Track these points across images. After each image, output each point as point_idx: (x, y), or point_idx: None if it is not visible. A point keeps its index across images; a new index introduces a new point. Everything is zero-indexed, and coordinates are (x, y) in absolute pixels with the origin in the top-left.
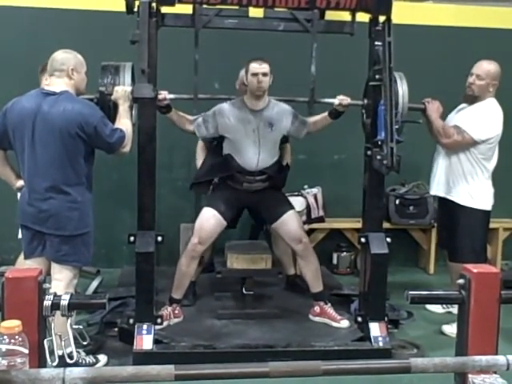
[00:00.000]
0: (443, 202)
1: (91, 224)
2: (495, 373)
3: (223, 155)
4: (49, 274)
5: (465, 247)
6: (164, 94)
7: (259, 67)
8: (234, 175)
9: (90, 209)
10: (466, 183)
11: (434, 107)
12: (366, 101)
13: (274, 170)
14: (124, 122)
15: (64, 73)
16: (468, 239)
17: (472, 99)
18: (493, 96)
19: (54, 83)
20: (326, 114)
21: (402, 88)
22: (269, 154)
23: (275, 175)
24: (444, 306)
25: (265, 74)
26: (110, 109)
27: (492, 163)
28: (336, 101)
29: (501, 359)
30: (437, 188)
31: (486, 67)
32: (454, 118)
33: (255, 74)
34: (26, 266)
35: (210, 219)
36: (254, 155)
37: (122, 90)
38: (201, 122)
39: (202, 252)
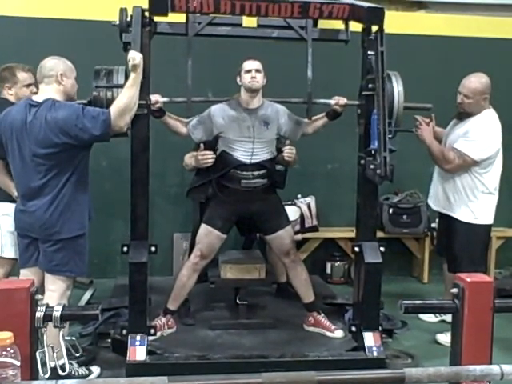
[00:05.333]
0: (444, 215)
1: (85, 227)
2: (489, 382)
3: (218, 154)
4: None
5: (464, 260)
6: (156, 98)
7: (252, 63)
8: (230, 173)
9: (83, 211)
10: (466, 199)
11: (426, 130)
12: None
13: (271, 165)
14: (123, 93)
15: (53, 79)
16: (468, 252)
17: (466, 115)
18: (488, 106)
19: (42, 91)
20: (323, 114)
21: (398, 88)
22: (264, 149)
23: (274, 171)
24: (437, 314)
25: (258, 71)
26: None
27: (493, 174)
28: (332, 101)
29: (495, 368)
30: (437, 204)
31: (472, 85)
32: (452, 134)
33: (249, 71)
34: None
35: (208, 236)
36: (249, 148)
37: (140, 59)
38: (196, 123)
39: (205, 266)
